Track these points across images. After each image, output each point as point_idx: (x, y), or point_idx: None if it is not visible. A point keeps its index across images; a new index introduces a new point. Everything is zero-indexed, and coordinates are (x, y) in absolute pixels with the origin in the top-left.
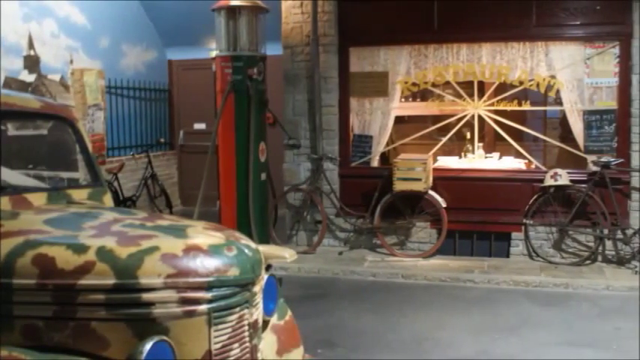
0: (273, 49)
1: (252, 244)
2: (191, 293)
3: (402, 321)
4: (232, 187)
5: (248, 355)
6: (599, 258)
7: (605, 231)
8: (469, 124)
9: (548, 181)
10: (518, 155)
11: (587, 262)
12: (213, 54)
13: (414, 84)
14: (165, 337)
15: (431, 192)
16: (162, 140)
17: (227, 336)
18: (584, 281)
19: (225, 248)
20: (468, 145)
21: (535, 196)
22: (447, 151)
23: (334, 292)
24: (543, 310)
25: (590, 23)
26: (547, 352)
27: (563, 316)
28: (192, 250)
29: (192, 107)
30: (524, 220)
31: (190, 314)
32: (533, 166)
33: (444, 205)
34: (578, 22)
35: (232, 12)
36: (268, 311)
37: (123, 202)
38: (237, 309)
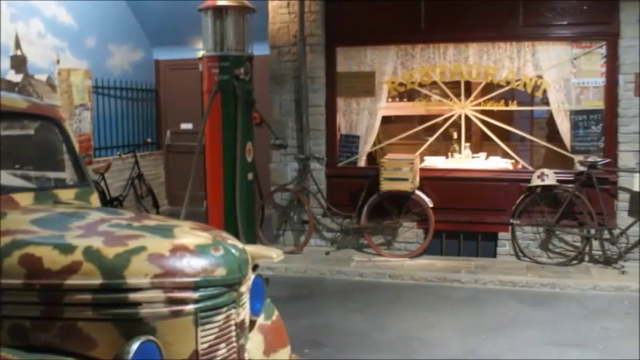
0: (260, 49)
1: (239, 244)
2: (178, 293)
3: (389, 321)
4: (219, 187)
5: (235, 355)
6: (586, 258)
7: (592, 231)
8: (456, 124)
9: (535, 181)
10: (505, 155)
11: (574, 262)
12: (200, 54)
13: (400, 84)
14: (152, 337)
15: (418, 192)
16: (149, 140)
17: (214, 336)
18: (570, 281)
19: (211, 248)
20: (455, 145)
21: (522, 196)
22: (434, 151)
23: (321, 292)
24: (530, 310)
25: (577, 23)
26: (534, 352)
27: (550, 316)
28: (179, 250)
29: (179, 107)
30: (511, 220)
31: (177, 314)
32: (520, 166)
33: (430, 205)
34: (565, 22)
35: (219, 12)
36: (255, 311)
37: (110, 202)
38: (224, 309)
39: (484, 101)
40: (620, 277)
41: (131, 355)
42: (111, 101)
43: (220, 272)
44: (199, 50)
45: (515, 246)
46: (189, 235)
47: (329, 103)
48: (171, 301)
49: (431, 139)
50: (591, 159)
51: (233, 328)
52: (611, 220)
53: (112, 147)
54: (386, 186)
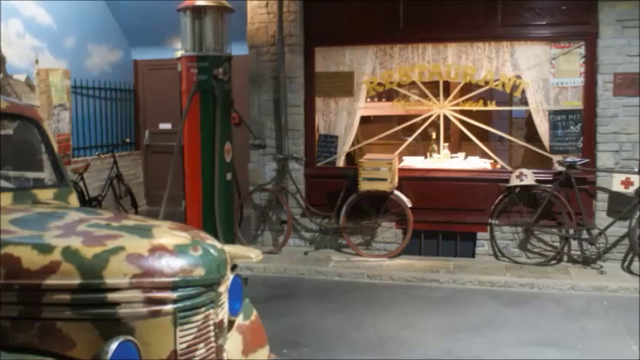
0: (239, 50)
1: (218, 244)
2: (156, 293)
3: (368, 321)
4: (198, 187)
5: (213, 355)
6: (565, 258)
7: (571, 231)
8: (435, 124)
9: (514, 181)
10: (484, 155)
11: (553, 262)
12: (179, 54)
13: (379, 84)
14: (130, 337)
15: (396, 192)
16: (127, 140)
17: (192, 336)
18: (549, 281)
19: (190, 248)
20: (434, 145)
21: (500, 196)
22: (412, 151)
23: (300, 292)
24: (509, 310)
25: (556, 23)
26: (513, 352)
27: (529, 316)
28: (157, 250)
29: (158, 107)
30: (490, 220)
31: (156, 314)
32: (498, 166)
33: (409, 205)
34: (543, 22)
35: (198, 12)
36: (234, 311)
37: (88, 202)
38: (203, 309)
39: (463, 101)
40: (599, 277)
41: (109, 355)
42: (90, 101)
43: (199, 272)
44: (178, 50)
45: (494, 246)
46: (168, 235)
47: (307, 104)
48: (150, 301)
49: (409, 139)
50: (570, 159)
51: (212, 328)
52: (590, 220)
53: (91, 147)
54: (364, 186)
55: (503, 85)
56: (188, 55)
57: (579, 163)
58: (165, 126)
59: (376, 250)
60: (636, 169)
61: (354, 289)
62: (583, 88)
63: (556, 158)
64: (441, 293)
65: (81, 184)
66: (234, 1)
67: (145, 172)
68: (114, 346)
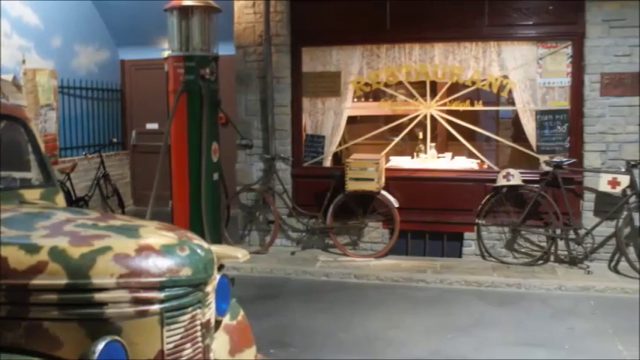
0: (226, 49)
1: (205, 244)
2: (143, 293)
3: (355, 321)
4: (185, 187)
5: (200, 355)
6: (552, 258)
7: (558, 231)
8: (422, 124)
9: (501, 181)
10: (471, 155)
11: (540, 262)
12: (166, 54)
13: (366, 84)
14: (117, 337)
15: (383, 192)
16: (114, 140)
17: (179, 336)
18: (536, 281)
19: (177, 248)
20: (421, 145)
21: (487, 196)
22: (399, 151)
23: (287, 292)
24: (496, 310)
25: (543, 23)
26: (500, 352)
27: (516, 316)
28: (144, 250)
29: (145, 107)
30: (477, 220)
31: (143, 314)
32: (485, 166)
33: (396, 205)
34: (530, 22)
35: (184, 12)
36: (221, 311)
37: (75, 202)
38: (190, 309)
39: (450, 101)
40: (586, 277)
41: (96, 355)
42: (77, 101)
43: (186, 272)
44: (165, 50)
45: (481, 246)
46: (155, 235)
47: (295, 103)
48: (137, 301)
49: (396, 140)
50: (557, 159)
51: (199, 328)
52: (577, 220)
53: (78, 147)
54: (351, 186)
55: (490, 85)
56: (175, 55)
57: (566, 163)
58: (152, 126)
59: (363, 250)
60: (623, 169)
61: (342, 289)
62: (570, 88)
63: (543, 158)
64: (427, 293)
65: (68, 184)
66: (222, 1)
67: (131, 172)
68: (101, 346)
